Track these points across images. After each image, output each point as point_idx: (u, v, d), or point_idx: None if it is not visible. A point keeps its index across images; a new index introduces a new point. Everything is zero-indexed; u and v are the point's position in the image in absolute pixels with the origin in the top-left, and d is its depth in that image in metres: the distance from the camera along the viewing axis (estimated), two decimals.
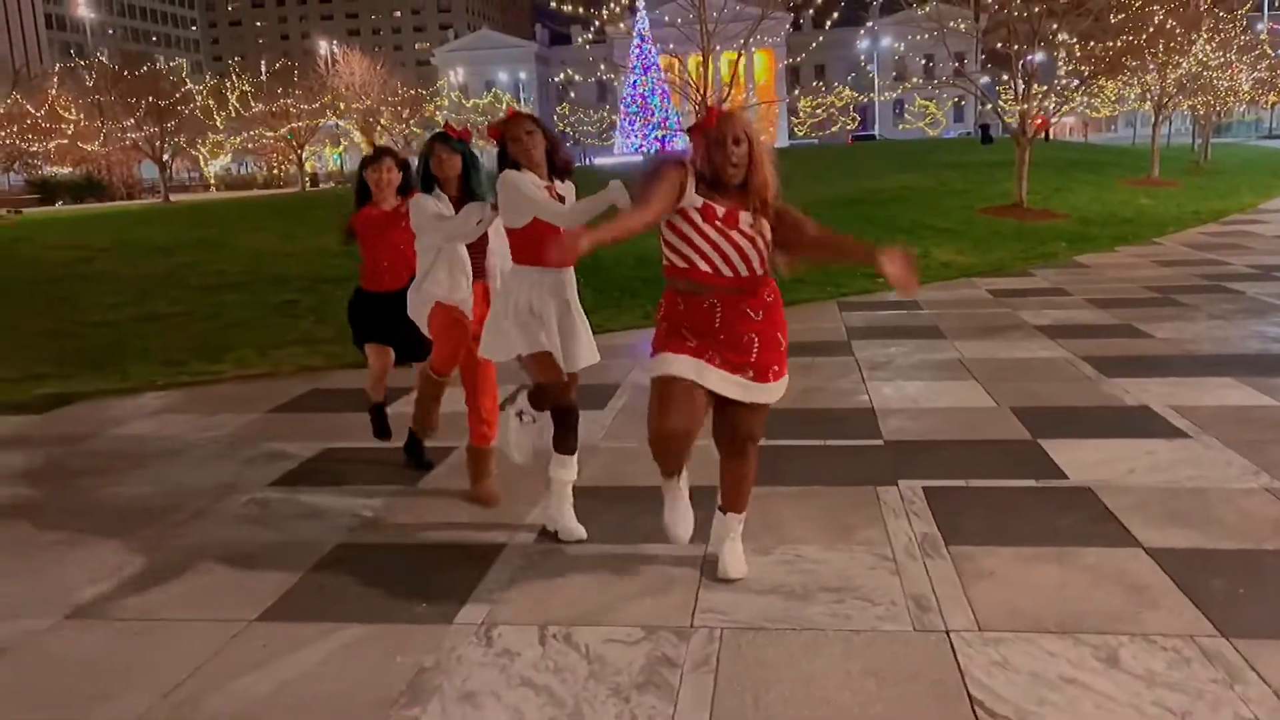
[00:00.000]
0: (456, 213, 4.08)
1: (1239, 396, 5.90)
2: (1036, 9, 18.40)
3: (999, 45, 20.25)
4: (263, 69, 53.99)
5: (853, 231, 14.98)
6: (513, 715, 2.83)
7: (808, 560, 3.80)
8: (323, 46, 64.52)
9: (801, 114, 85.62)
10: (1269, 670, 2.89)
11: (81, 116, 40.48)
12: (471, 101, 71.94)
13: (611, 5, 18.34)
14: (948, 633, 3.19)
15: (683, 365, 3.22)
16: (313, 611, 3.51)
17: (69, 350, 8.59)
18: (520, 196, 3.62)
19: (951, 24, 20.33)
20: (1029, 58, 19.39)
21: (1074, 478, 4.59)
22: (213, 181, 59.03)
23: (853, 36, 79.74)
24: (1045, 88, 20.61)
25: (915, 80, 74.57)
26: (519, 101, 78.88)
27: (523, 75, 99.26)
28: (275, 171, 62.62)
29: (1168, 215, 18.17)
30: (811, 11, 20.05)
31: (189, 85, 44.50)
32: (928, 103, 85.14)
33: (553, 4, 18.82)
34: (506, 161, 3.70)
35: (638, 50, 67.68)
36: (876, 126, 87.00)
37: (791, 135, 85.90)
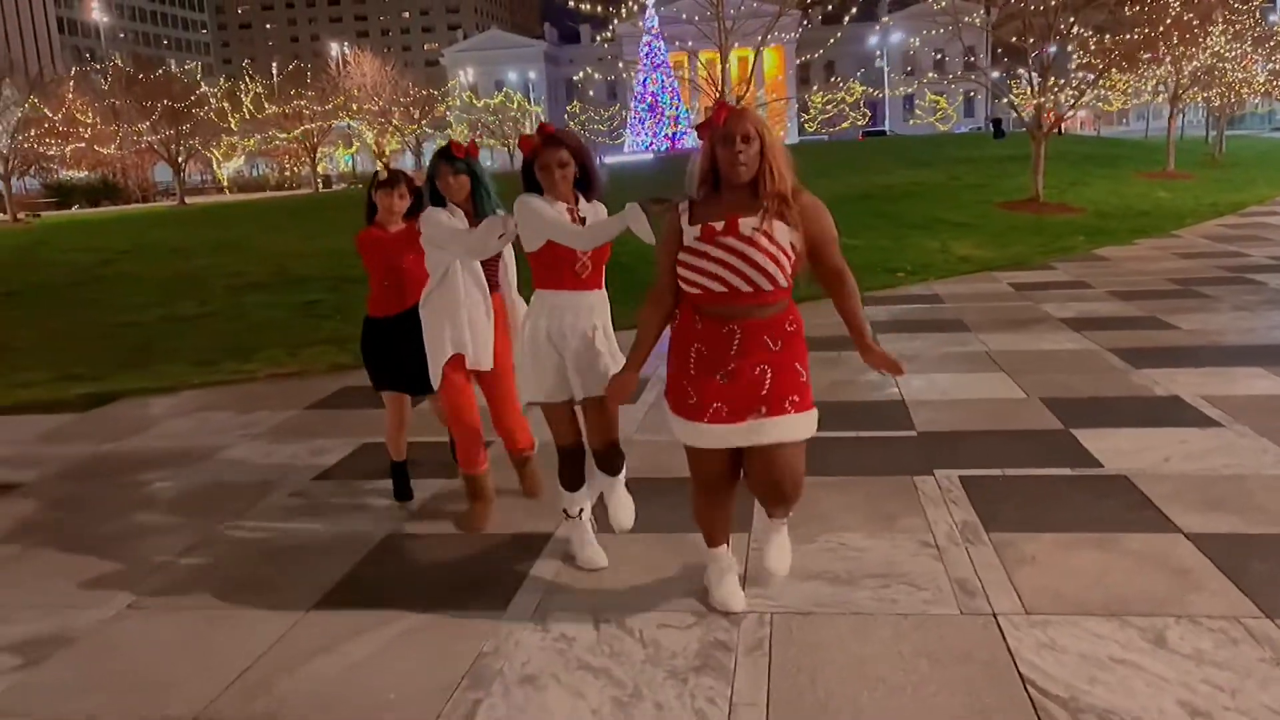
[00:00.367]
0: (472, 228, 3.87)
1: (1269, 385, 5.93)
2: (1053, 2, 18.38)
3: (1013, 39, 20.22)
4: (274, 71, 54.30)
5: (868, 228, 15.03)
6: (574, 697, 2.90)
7: (851, 548, 3.86)
8: (334, 48, 64.77)
9: (812, 110, 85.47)
10: None
11: (97, 120, 40.76)
12: (482, 101, 72.04)
13: (626, 2, 18.38)
14: (994, 615, 3.25)
15: (700, 434, 3.05)
16: (369, 600, 3.59)
17: (101, 351, 8.70)
18: (537, 220, 3.41)
19: (966, 19, 20.31)
20: (1045, 50, 19.36)
21: (1109, 466, 4.64)
22: (226, 184, 59.33)
23: (863, 32, 79.60)
24: (1061, 81, 20.57)
25: (930, 75, 74.35)
26: (529, 101, 78.92)
27: (532, 75, 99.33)
28: (287, 173, 62.91)
29: (1185, 208, 18.14)
30: (830, 7, 20.03)
31: (203, 88, 44.73)
32: (938, 98, 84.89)
33: (570, 3, 18.83)
34: (531, 181, 3.48)
35: (648, 48, 67.76)
36: (887, 122, 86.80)
37: (801, 131, 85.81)
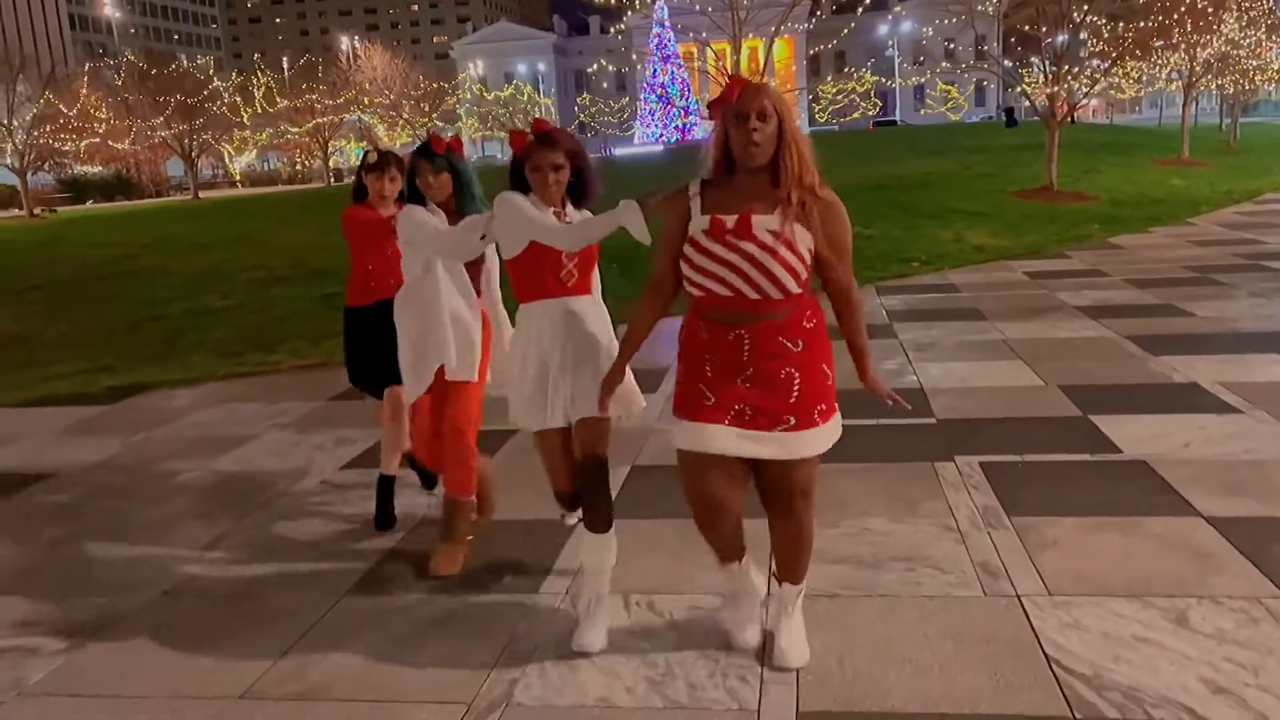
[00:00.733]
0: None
1: None
2: None
3: (1025, 27, 20.16)
4: (285, 65, 54.46)
5: (882, 218, 15.03)
6: (608, 676, 2.98)
7: (875, 532, 3.93)
8: (344, 42, 64.90)
9: (822, 100, 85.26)
10: None
11: (111, 115, 41.00)
12: (492, 94, 72.08)
13: None
14: (1018, 597, 3.31)
15: (713, 438, 2.69)
16: (404, 584, 3.67)
17: (128, 344, 8.82)
18: (520, 218, 3.09)
19: (979, 6, 20.26)
20: (1058, 38, 19.30)
21: (1128, 452, 4.69)
22: (238, 178, 59.60)
23: (874, 22, 79.35)
24: (1075, 70, 20.50)
25: (943, 65, 73.99)
26: (538, 93, 78.90)
27: (541, 66, 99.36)
28: (299, 167, 63.12)
29: (1200, 195, 18.09)
30: None
31: (216, 82, 44.95)
32: (949, 87, 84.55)
33: None
34: (519, 181, 3.15)
35: (658, 39, 67.65)
36: (898, 112, 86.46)
37: (812, 121, 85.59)
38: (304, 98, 48.38)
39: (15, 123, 34.34)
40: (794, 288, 2.63)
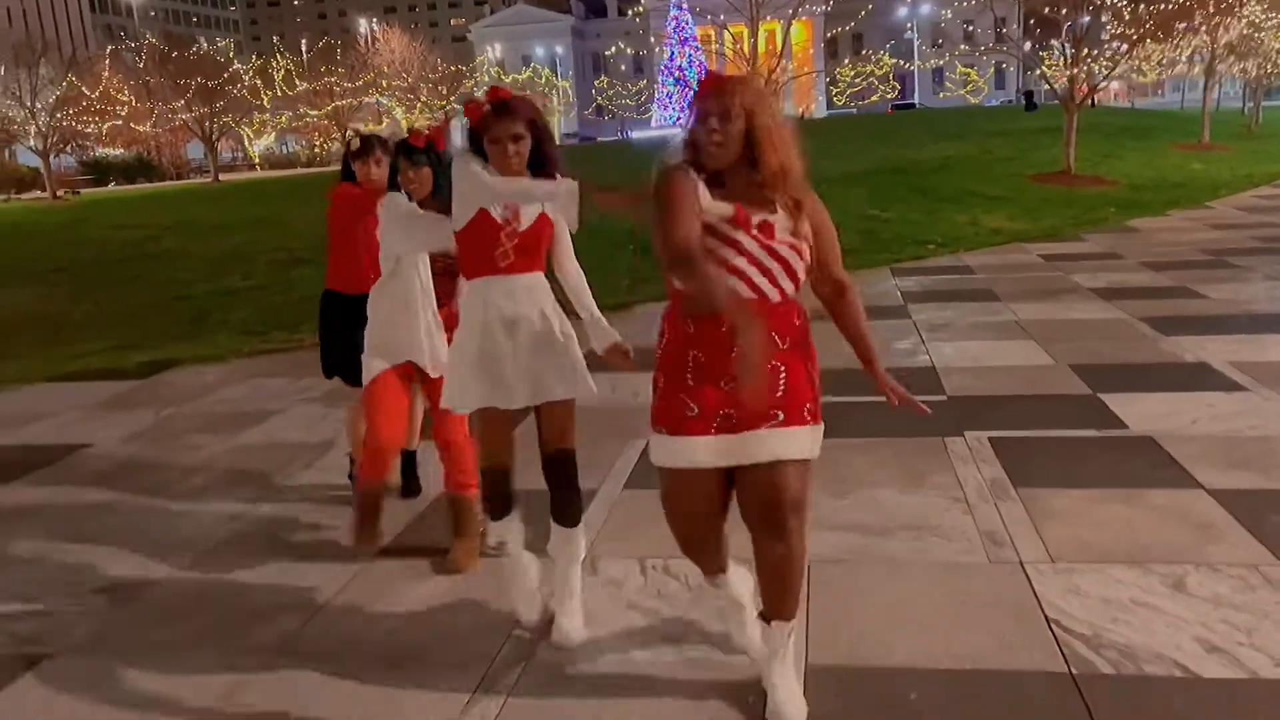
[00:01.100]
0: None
1: None
2: None
3: (1045, 10, 20.06)
4: (303, 48, 54.65)
5: (899, 201, 15.06)
6: (625, 632, 3.12)
7: (883, 503, 4.05)
8: (362, 24, 65.01)
9: (840, 83, 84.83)
10: None
11: (133, 98, 41.34)
12: (510, 77, 72.07)
13: None
14: (1022, 564, 3.43)
15: (696, 451, 2.48)
16: (428, 549, 3.81)
17: (155, 322, 9.02)
18: (473, 181, 2.89)
19: None
20: (1078, 20, 19.20)
21: (1136, 428, 4.78)
22: (257, 161, 59.93)
23: (892, 4, 78.82)
24: (1095, 52, 20.39)
25: (962, 48, 73.41)
26: (556, 76, 78.84)
27: (559, 49, 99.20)
28: (317, 150, 63.37)
29: (1220, 179, 18.02)
30: None
31: (236, 65, 45.22)
32: (969, 70, 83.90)
33: None
34: (478, 155, 2.93)
35: (675, 22, 67.50)
36: (916, 95, 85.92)
37: (830, 105, 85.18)
38: (322, 81, 48.58)
39: (39, 105, 34.69)
40: (796, 290, 2.50)
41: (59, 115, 35.57)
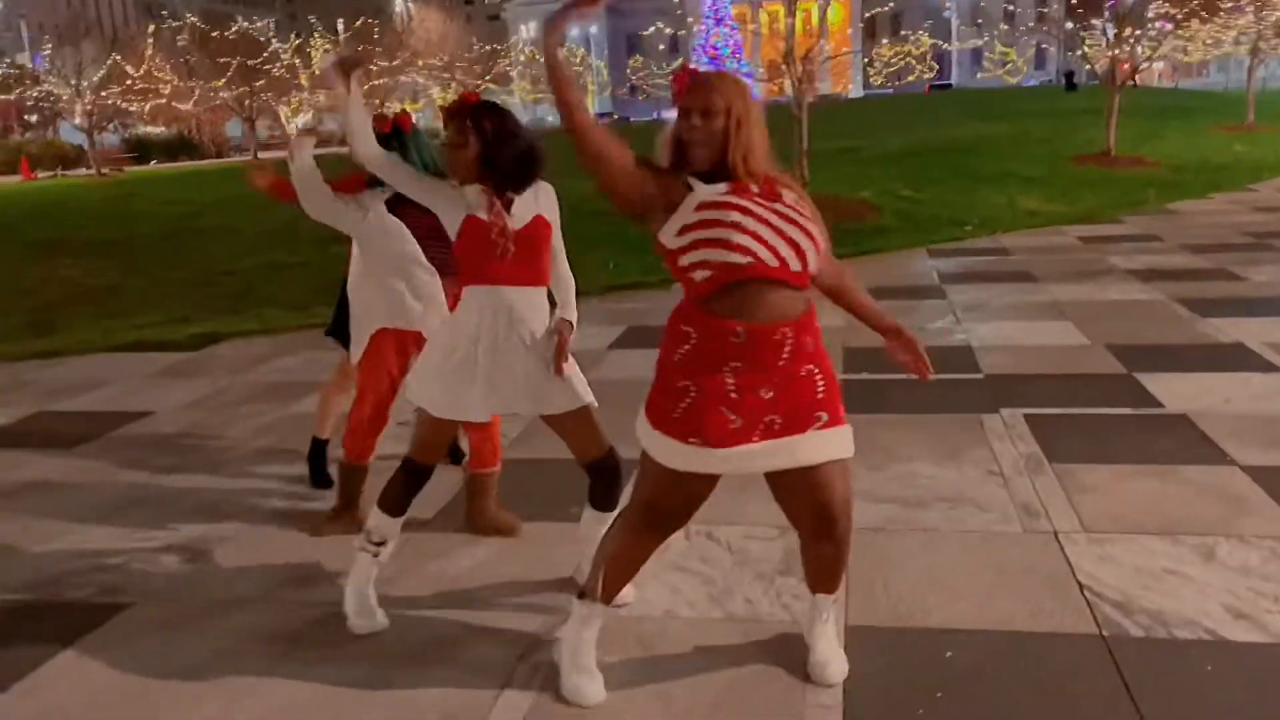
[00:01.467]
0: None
1: None
2: None
3: None
4: (339, 27, 54.89)
5: (935, 182, 15.02)
6: (671, 592, 3.26)
7: (921, 476, 4.16)
8: (398, 3, 65.21)
9: (878, 63, 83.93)
10: None
11: (175, 77, 41.88)
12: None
13: None
14: (1055, 534, 3.53)
15: (747, 459, 2.41)
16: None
17: (205, 296, 9.27)
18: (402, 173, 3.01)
19: None
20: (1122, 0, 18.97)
21: (1170, 407, 4.85)
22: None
23: None
24: (1139, 32, 20.12)
25: (1002, 27, 72.40)
26: (590, 55, 78.67)
27: (593, 29, 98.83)
28: None
29: (1264, 161, 17.77)
30: None
31: (275, 45, 45.60)
32: (1008, 49, 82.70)
33: None
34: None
35: (710, 2, 67.10)
36: (954, 75, 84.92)
37: (866, 85, 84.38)
38: None
39: (84, 84, 35.26)
40: (815, 262, 2.41)
41: (104, 94, 36.12)
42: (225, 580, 3.51)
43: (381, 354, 3.75)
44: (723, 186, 2.36)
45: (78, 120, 36.40)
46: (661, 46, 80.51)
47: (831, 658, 2.73)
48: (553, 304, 3.15)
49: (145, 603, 3.34)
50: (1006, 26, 71.48)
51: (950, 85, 73.94)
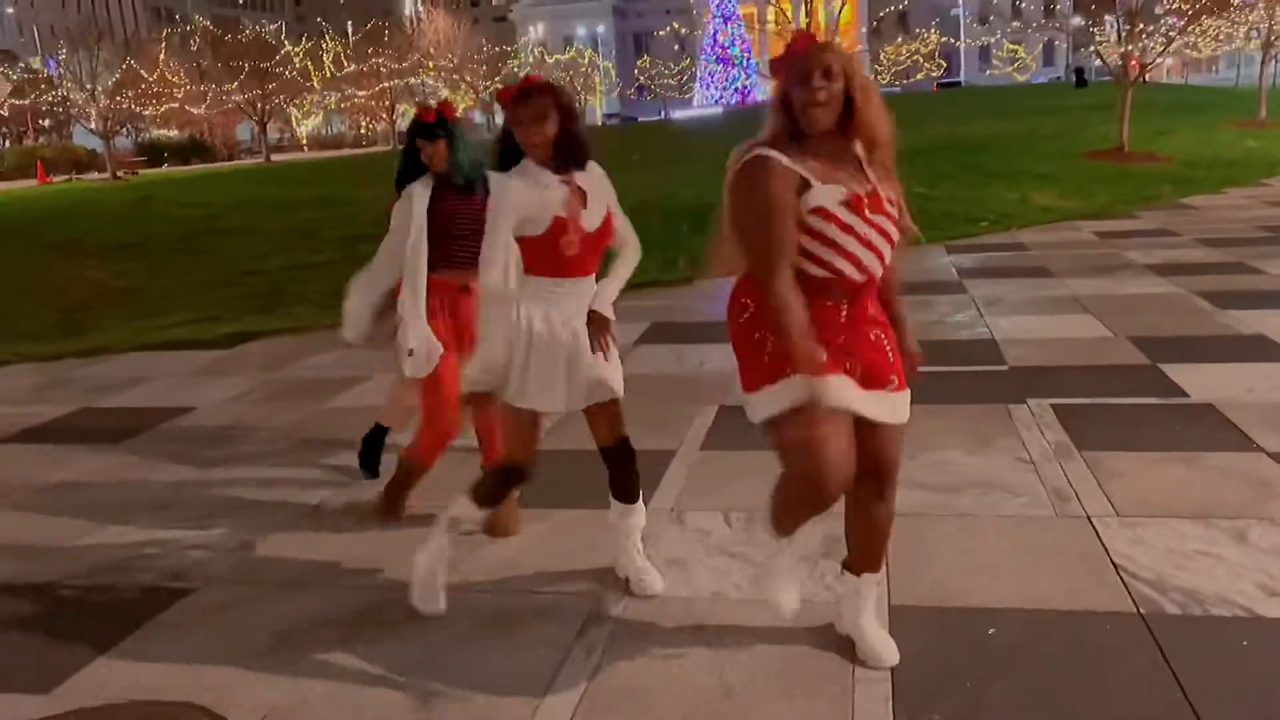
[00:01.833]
0: (435, 206, 3.69)
1: None
2: None
3: None
4: (349, 29, 55.22)
5: (948, 178, 15.06)
6: (717, 574, 3.37)
7: (952, 464, 4.25)
8: (407, 5, 65.46)
9: (885, 61, 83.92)
10: None
11: (187, 81, 42.21)
12: (553, 58, 72.21)
13: None
14: (1088, 518, 3.63)
15: (840, 390, 2.42)
16: (526, 500, 4.07)
17: (233, 296, 9.41)
18: (493, 209, 2.93)
19: None
20: None
21: (1195, 396, 4.94)
22: (304, 142, 60.79)
23: None
24: (1151, 28, 20.16)
25: (1015, 24, 72.32)
26: (598, 55, 78.82)
27: (601, 29, 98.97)
28: (364, 131, 64.11)
29: (1277, 156, 17.80)
30: None
31: (287, 47, 45.90)
32: (1016, 47, 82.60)
33: None
34: (509, 142, 2.97)
35: (717, 0, 67.14)
36: (963, 73, 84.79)
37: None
38: (370, 62, 49.18)
39: (99, 88, 35.54)
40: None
41: (119, 98, 36.42)
42: (281, 566, 3.63)
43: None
44: (839, 194, 2.38)
45: (93, 124, 36.69)
46: (677, 46, 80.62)
47: (883, 643, 2.81)
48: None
49: (207, 587, 3.46)
50: (1018, 23, 71.36)
51: (959, 83, 73.78)
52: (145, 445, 5.12)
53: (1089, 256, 9.31)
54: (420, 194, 3.70)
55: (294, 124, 58.36)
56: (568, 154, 2.96)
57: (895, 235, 2.48)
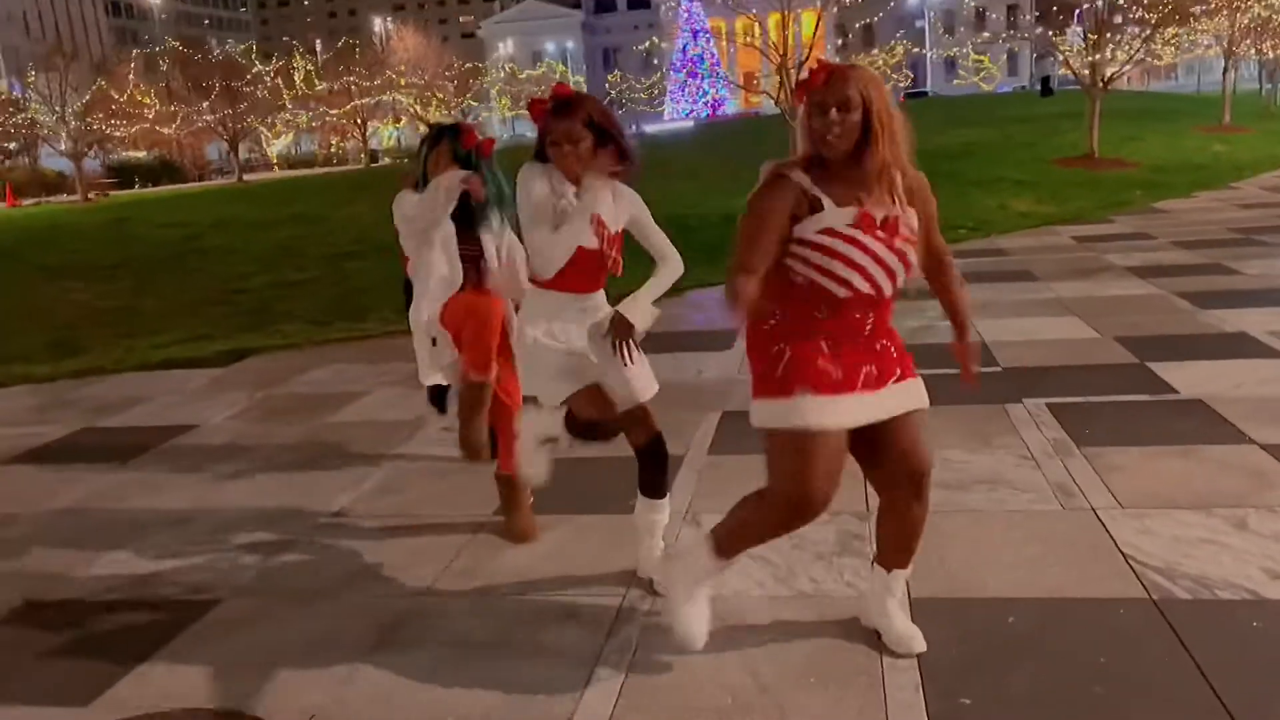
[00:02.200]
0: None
1: None
2: None
3: None
4: (318, 48, 55.13)
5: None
6: (740, 574, 3.43)
7: (956, 461, 4.36)
8: (376, 24, 65.42)
9: None
10: None
11: (157, 101, 41.94)
12: (525, 73, 72.35)
13: None
14: (1094, 510, 3.74)
15: (852, 410, 2.56)
16: (540, 507, 4.13)
17: (223, 314, 9.39)
18: (522, 201, 2.97)
19: None
20: (1098, 5, 19.39)
21: (1185, 392, 5.08)
22: (275, 161, 60.46)
23: None
24: (1118, 37, 20.57)
25: (984, 35, 73.35)
26: (568, 70, 79.09)
27: (570, 44, 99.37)
28: (335, 149, 63.89)
29: (1243, 160, 18.21)
30: None
31: (258, 67, 45.74)
32: (981, 57, 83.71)
33: None
34: (541, 153, 2.99)
35: (687, 13, 67.63)
36: (929, 83, 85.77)
37: None
38: (341, 80, 49.09)
39: (70, 110, 35.26)
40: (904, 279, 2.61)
41: (89, 119, 36.13)
42: (305, 577, 3.66)
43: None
44: (850, 216, 2.49)
45: (62, 146, 36.36)
46: (654, 58, 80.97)
47: (912, 632, 2.89)
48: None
49: (233, 599, 3.49)
50: (988, 34, 72.37)
51: (926, 93, 74.60)
52: (153, 463, 5.13)
53: (1069, 260, 9.50)
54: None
55: (264, 143, 58.03)
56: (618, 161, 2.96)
57: (910, 255, 2.56)
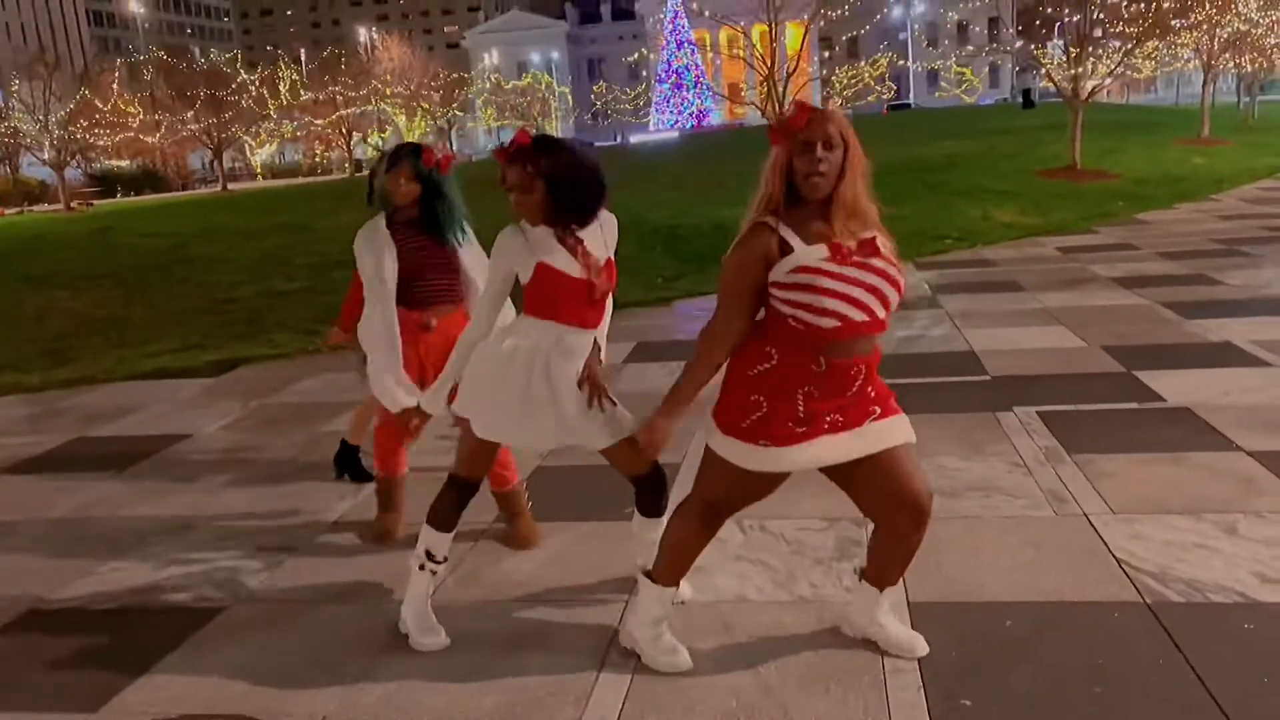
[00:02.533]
0: (401, 246, 3.72)
1: None
2: None
3: (1048, 9, 20.45)
4: (302, 58, 55.07)
5: (911, 198, 15.46)
6: (739, 579, 3.49)
7: (949, 469, 4.42)
8: (362, 34, 65.42)
9: (835, 85, 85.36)
10: None
11: (141, 111, 41.79)
12: (510, 83, 72.45)
13: None
14: (1086, 516, 3.80)
15: (798, 459, 2.64)
16: (541, 514, 4.16)
17: (213, 324, 9.38)
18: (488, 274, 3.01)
19: None
20: (1078, 17, 19.64)
21: (1172, 400, 5.17)
22: (259, 170, 60.34)
23: (885, 4, 79.41)
24: (1099, 51, 20.82)
25: (969, 48, 74.03)
26: (554, 81, 79.29)
27: (555, 55, 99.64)
28: (319, 159, 63.78)
29: (1223, 172, 18.44)
30: None
31: (242, 76, 45.66)
32: (964, 69, 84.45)
33: None
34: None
35: (672, 25, 68.00)
36: (912, 95, 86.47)
37: (823, 107, 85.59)
38: (327, 90, 49.07)
39: (53, 119, 35.09)
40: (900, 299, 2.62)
41: (72, 129, 35.97)
42: (309, 581, 3.68)
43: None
44: (822, 251, 2.49)
45: (45, 155, 36.17)
46: (636, 69, 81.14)
47: (913, 636, 2.95)
48: None
49: (239, 605, 3.51)
50: (972, 47, 73.04)
51: (909, 105, 75.22)
52: (150, 472, 5.13)
53: (1055, 270, 9.62)
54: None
55: (249, 152, 57.90)
56: (567, 214, 2.90)
57: (896, 274, 2.56)
